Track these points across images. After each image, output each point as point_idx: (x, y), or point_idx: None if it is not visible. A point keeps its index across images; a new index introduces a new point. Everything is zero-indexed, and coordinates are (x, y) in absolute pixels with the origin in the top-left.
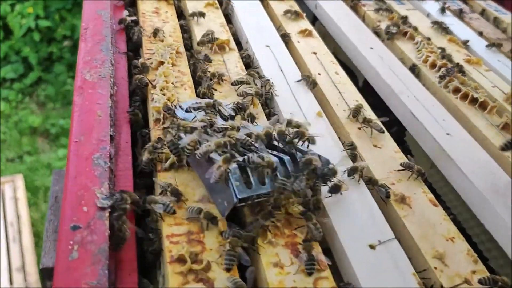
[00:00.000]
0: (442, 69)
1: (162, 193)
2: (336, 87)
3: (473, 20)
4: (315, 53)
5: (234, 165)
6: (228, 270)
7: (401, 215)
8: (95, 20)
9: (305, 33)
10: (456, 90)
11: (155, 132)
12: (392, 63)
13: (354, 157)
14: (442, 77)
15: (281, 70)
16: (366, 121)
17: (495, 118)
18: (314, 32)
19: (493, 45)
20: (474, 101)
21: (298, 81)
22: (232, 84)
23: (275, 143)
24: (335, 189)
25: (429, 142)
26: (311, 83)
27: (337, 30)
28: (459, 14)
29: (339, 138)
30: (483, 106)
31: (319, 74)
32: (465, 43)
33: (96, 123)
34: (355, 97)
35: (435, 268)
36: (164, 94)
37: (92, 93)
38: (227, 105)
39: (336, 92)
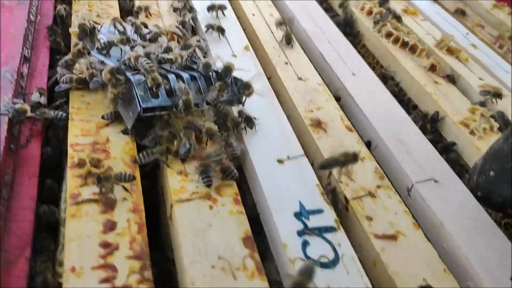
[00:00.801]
0: (376, 15)
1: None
2: (269, 27)
3: None
4: None
5: (138, 77)
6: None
7: (315, 137)
8: None
9: None
10: (389, 35)
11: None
12: (313, 10)
13: None
14: (376, 22)
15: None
16: None
17: (424, 60)
18: None
19: None
20: (405, 44)
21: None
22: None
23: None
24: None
25: (335, 82)
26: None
27: None
28: None
29: (264, 71)
30: (413, 49)
31: (253, 14)
32: None
33: (8, 40)
34: None
35: (341, 182)
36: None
37: (9, 16)
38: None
39: (268, 31)
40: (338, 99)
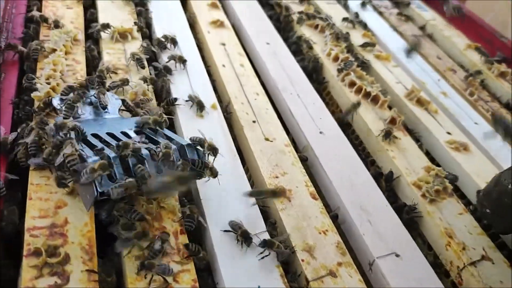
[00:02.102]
0: (341, 63)
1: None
2: (238, 79)
3: (393, 16)
4: (223, 44)
5: (95, 158)
6: None
7: (278, 208)
8: None
9: (217, 23)
10: (352, 84)
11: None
12: (284, 60)
13: None
14: (339, 71)
15: None
16: None
17: (386, 112)
18: (227, 22)
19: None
20: (367, 95)
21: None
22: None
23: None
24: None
25: (302, 139)
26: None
27: (237, 22)
28: (379, 9)
29: (230, 131)
30: (375, 100)
31: (223, 65)
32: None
33: None
34: (256, 89)
35: (302, 260)
36: (49, 83)
37: None
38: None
39: (238, 84)
40: (305, 159)
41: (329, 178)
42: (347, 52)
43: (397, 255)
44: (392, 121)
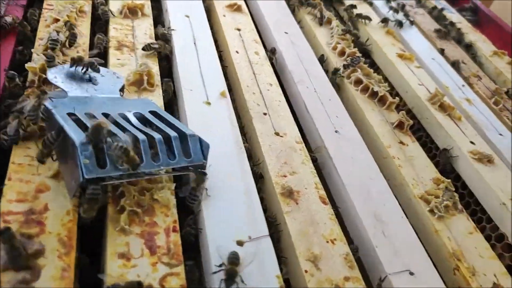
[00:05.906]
0: (348, 58)
1: None
2: (251, 67)
3: (418, 15)
4: (239, 29)
5: (84, 139)
6: None
7: (284, 210)
8: None
9: (233, 7)
10: (358, 82)
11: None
12: (303, 50)
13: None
14: (345, 67)
15: (195, 44)
16: None
17: (393, 114)
18: (244, 7)
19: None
20: (374, 95)
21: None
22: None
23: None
24: None
25: (316, 138)
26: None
27: (257, 9)
28: (402, 8)
29: (239, 121)
30: (382, 101)
31: (237, 52)
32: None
33: None
34: (270, 80)
35: (306, 271)
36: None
37: None
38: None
39: (251, 72)
40: (314, 160)
41: (342, 181)
42: (354, 46)
43: (411, 273)
44: (400, 125)
